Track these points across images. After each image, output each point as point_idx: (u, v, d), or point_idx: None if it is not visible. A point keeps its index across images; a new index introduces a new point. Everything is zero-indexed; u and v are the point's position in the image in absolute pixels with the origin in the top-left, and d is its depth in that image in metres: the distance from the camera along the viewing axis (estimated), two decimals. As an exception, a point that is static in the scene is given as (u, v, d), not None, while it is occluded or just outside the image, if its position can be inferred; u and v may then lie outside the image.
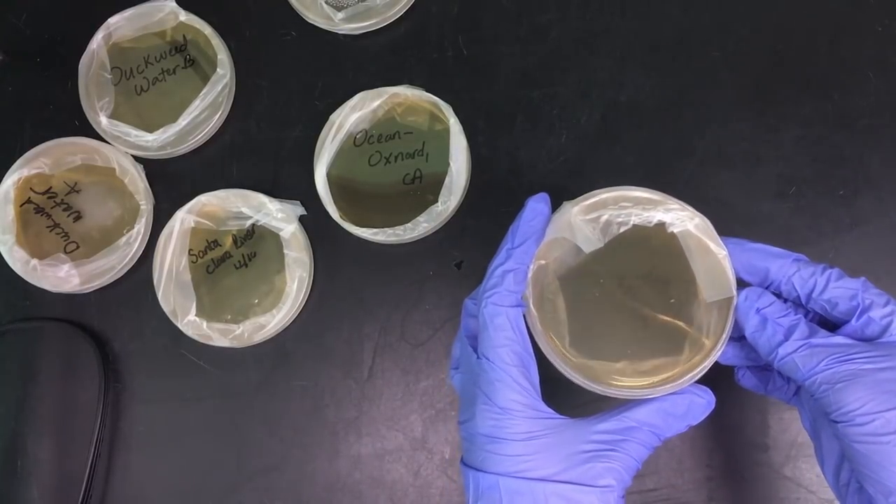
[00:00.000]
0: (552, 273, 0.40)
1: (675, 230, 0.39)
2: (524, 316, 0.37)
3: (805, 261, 0.37)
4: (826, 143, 0.49)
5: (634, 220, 0.40)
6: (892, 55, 0.50)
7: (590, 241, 0.39)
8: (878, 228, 0.48)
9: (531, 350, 0.36)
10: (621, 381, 0.39)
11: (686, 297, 0.39)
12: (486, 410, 0.35)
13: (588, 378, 0.38)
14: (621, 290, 0.40)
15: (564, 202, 0.40)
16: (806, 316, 0.37)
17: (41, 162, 0.54)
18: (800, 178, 0.49)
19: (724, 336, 0.38)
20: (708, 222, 0.39)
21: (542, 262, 0.40)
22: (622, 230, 0.40)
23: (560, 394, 0.38)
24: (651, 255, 0.40)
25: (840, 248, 0.48)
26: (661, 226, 0.40)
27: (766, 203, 0.49)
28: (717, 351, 0.38)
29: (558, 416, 0.36)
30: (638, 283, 0.40)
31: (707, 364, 0.38)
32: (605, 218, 0.40)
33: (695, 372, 0.38)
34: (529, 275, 0.38)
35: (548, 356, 0.38)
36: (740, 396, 0.45)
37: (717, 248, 0.39)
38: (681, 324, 0.39)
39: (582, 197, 0.40)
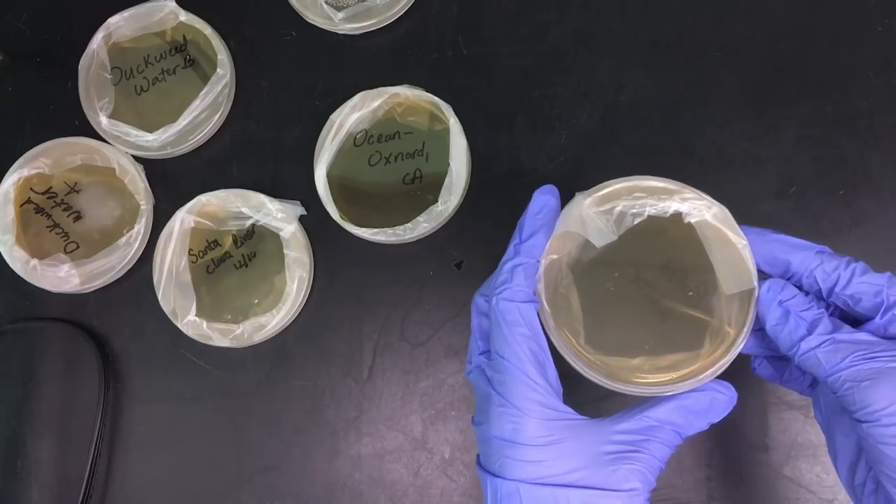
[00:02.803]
0: (565, 267, 0.39)
1: (693, 220, 0.38)
2: (537, 312, 0.36)
3: (829, 253, 0.36)
4: (826, 143, 0.49)
5: (650, 210, 0.38)
6: (892, 55, 0.50)
7: (603, 235, 0.38)
8: (878, 228, 0.48)
9: (547, 347, 0.35)
10: (640, 377, 0.37)
11: (705, 289, 0.38)
12: (503, 413, 0.34)
13: (605, 375, 0.37)
14: (637, 283, 0.38)
15: (577, 193, 0.39)
16: (827, 310, 0.36)
17: (41, 162, 0.54)
18: (800, 178, 0.49)
19: (745, 329, 0.37)
20: (726, 211, 0.38)
21: (555, 256, 0.38)
22: (637, 222, 0.38)
23: (574, 388, 0.38)
24: (668, 246, 0.39)
25: (840, 248, 0.48)
26: (677, 216, 0.38)
27: (766, 203, 0.49)
28: (739, 345, 0.36)
29: (577, 416, 0.35)
30: (654, 275, 0.38)
31: (728, 359, 0.36)
32: (618, 209, 0.38)
33: (716, 367, 0.36)
34: (541, 269, 0.37)
35: (562, 353, 0.37)
36: (741, 396, 0.45)
37: (737, 238, 0.37)
38: (700, 317, 0.38)
39: (594, 188, 0.38)
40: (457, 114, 0.50)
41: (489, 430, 0.35)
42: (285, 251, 0.51)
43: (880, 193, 0.48)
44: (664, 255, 0.39)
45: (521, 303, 0.35)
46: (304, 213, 0.52)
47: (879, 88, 0.50)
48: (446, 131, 0.50)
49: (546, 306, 0.38)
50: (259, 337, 0.50)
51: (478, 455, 0.36)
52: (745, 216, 0.47)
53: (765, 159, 0.50)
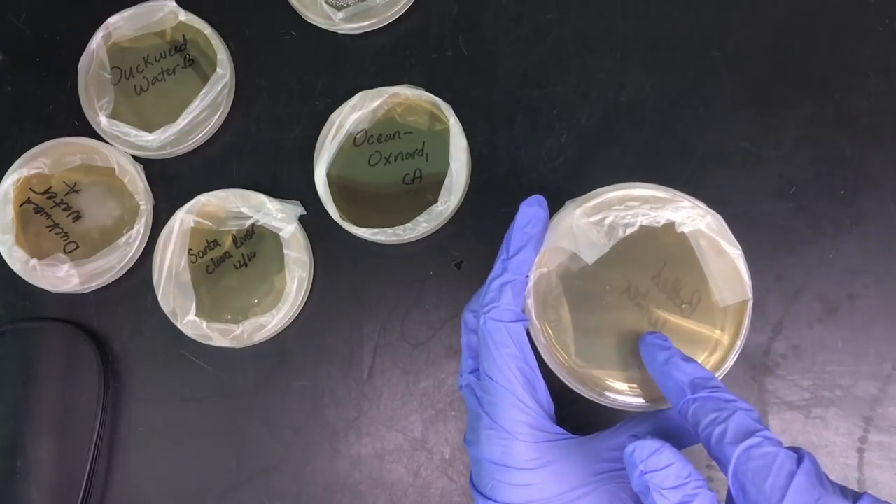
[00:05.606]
0: (555, 278, 0.38)
1: (686, 230, 0.37)
2: (526, 330, 0.35)
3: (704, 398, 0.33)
4: (826, 143, 0.49)
5: (642, 220, 0.37)
6: (892, 55, 0.50)
7: (594, 247, 0.37)
8: (878, 228, 0.48)
9: (536, 366, 0.35)
10: (632, 392, 0.37)
11: (698, 299, 0.37)
12: (492, 436, 0.33)
13: (596, 390, 0.37)
14: (629, 293, 0.38)
15: (566, 202, 0.38)
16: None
17: (41, 162, 0.54)
18: (800, 178, 0.49)
19: (738, 342, 0.36)
20: (721, 220, 0.37)
21: (545, 269, 0.38)
22: (629, 232, 0.37)
23: (566, 402, 0.37)
24: (660, 256, 0.38)
25: (840, 248, 0.48)
26: (669, 224, 0.38)
27: (766, 203, 0.49)
28: (731, 358, 0.36)
29: (567, 435, 0.34)
30: (646, 286, 0.38)
31: (722, 371, 0.36)
32: (610, 220, 0.37)
33: None
34: (530, 284, 0.36)
35: (553, 369, 0.37)
36: (740, 396, 0.45)
37: (731, 247, 0.36)
38: (693, 328, 0.37)
39: (584, 197, 0.38)
40: (457, 114, 0.50)
41: (480, 452, 0.34)
42: (285, 251, 0.51)
43: (880, 193, 0.48)
44: (656, 265, 0.38)
45: (510, 322, 0.34)
46: (304, 213, 0.52)
47: (879, 88, 0.50)
48: (446, 131, 0.50)
49: (535, 321, 0.37)
50: (259, 337, 0.50)
51: (470, 473, 0.36)
52: (745, 216, 0.46)
53: (765, 159, 0.50)
